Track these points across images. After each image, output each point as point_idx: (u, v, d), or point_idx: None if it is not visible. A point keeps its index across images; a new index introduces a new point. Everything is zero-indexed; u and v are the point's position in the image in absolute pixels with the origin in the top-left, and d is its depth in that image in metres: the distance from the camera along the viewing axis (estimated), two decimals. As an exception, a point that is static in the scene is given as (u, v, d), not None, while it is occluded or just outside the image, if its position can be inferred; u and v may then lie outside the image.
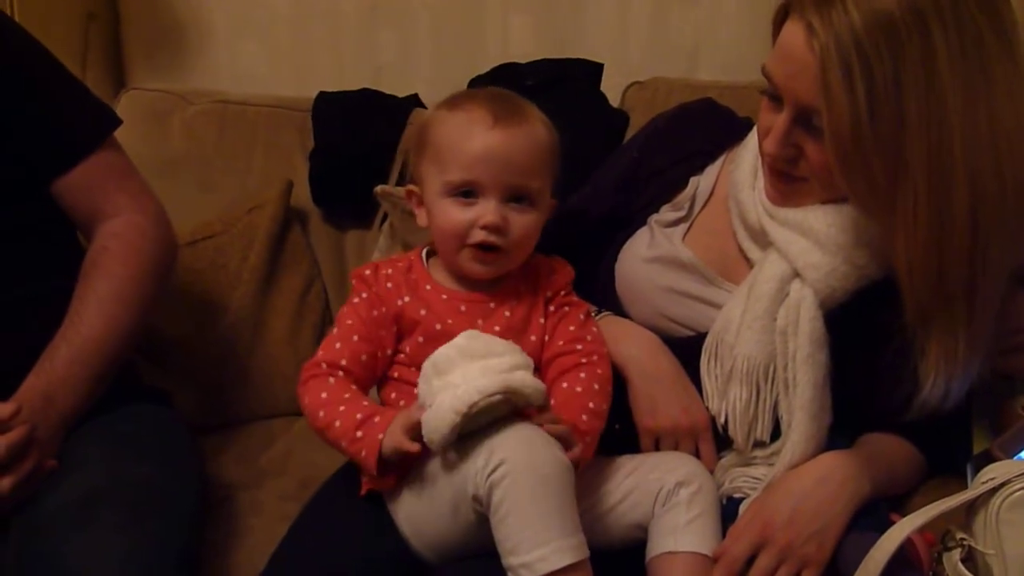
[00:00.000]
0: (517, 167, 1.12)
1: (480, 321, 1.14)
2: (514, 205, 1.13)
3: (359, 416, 1.07)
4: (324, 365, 1.13)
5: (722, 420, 1.16)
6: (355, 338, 1.14)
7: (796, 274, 1.14)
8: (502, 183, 1.12)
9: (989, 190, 1.01)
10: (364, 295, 1.16)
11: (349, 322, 1.15)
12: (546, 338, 1.17)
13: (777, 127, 1.09)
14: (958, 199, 1.01)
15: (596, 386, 1.14)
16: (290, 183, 1.71)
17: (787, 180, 1.14)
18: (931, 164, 1.00)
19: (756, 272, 1.17)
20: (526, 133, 1.13)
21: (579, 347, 1.16)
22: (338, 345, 1.14)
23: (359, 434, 1.06)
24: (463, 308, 1.15)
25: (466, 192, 1.12)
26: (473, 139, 1.12)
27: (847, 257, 1.12)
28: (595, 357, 1.16)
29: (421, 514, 1.09)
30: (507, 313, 1.16)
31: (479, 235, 1.12)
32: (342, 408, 1.09)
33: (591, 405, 1.12)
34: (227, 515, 1.34)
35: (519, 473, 0.97)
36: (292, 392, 1.59)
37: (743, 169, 1.22)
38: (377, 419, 1.07)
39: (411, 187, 1.21)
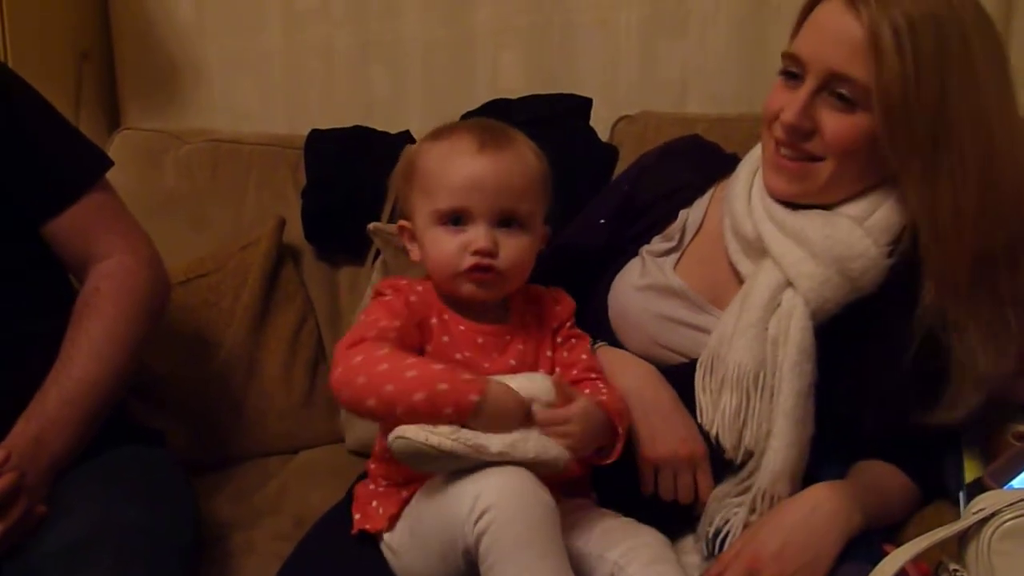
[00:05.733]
0: (505, 191, 1.11)
1: (495, 354, 1.14)
2: (504, 230, 1.12)
3: (439, 366, 1.03)
4: (372, 334, 1.06)
5: (714, 431, 1.16)
6: (397, 323, 1.09)
7: (789, 283, 1.15)
8: (490, 207, 1.11)
9: (1021, 161, 1.09)
10: (399, 295, 1.13)
11: (391, 308, 1.11)
12: (557, 370, 1.17)
13: (798, 97, 1.12)
14: (999, 161, 1.09)
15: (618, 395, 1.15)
16: (283, 220, 1.72)
17: (797, 163, 1.15)
18: (974, 128, 1.08)
19: (750, 282, 1.18)
20: (513, 157, 1.13)
21: (593, 375, 1.17)
22: (383, 323, 1.08)
23: (443, 386, 1.00)
24: (480, 340, 1.14)
25: (455, 219, 1.12)
26: (459, 165, 1.11)
27: (840, 269, 1.13)
28: (609, 383, 1.17)
29: (413, 557, 1.08)
30: (520, 347, 1.16)
31: (471, 260, 1.11)
32: (411, 360, 1.03)
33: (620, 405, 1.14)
34: (221, 555, 1.33)
35: (505, 521, 0.96)
36: (286, 429, 1.62)
37: (737, 186, 1.24)
38: (467, 376, 1.03)
39: (402, 222, 1.19)
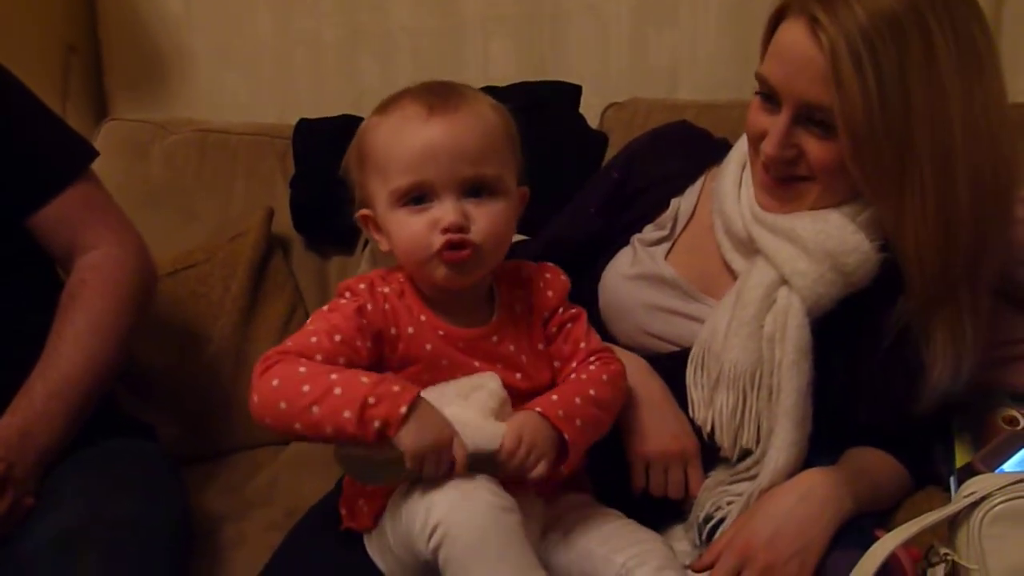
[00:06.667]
0: (465, 156, 1.01)
1: (480, 361, 1.07)
2: (474, 200, 1.02)
3: (366, 380, 0.95)
4: (295, 354, 0.99)
5: (708, 428, 1.15)
6: (337, 337, 1.01)
7: (783, 281, 1.15)
8: (453, 177, 1.01)
9: (985, 171, 1.07)
10: (354, 300, 1.04)
11: (332, 320, 1.02)
12: (556, 364, 1.13)
13: (776, 129, 1.11)
14: (960, 179, 1.07)
15: (604, 377, 1.10)
16: (271, 210, 1.71)
17: (786, 184, 1.15)
18: (935, 147, 1.06)
19: (743, 280, 1.17)
20: (468, 117, 1.02)
21: (593, 358, 1.13)
22: (314, 339, 1.00)
23: (372, 400, 0.94)
24: (461, 345, 1.06)
25: (417, 197, 1.02)
26: (410, 135, 1.01)
27: (834, 264, 1.13)
28: (610, 358, 1.13)
29: (391, 561, 1.06)
30: (511, 347, 1.09)
31: (441, 239, 1.01)
32: (335, 376, 0.96)
33: (591, 392, 1.07)
34: (212, 547, 1.33)
35: (456, 534, 0.93)
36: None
37: (726, 182, 1.23)
38: (396, 388, 0.96)
39: (363, 211, 1.09)
